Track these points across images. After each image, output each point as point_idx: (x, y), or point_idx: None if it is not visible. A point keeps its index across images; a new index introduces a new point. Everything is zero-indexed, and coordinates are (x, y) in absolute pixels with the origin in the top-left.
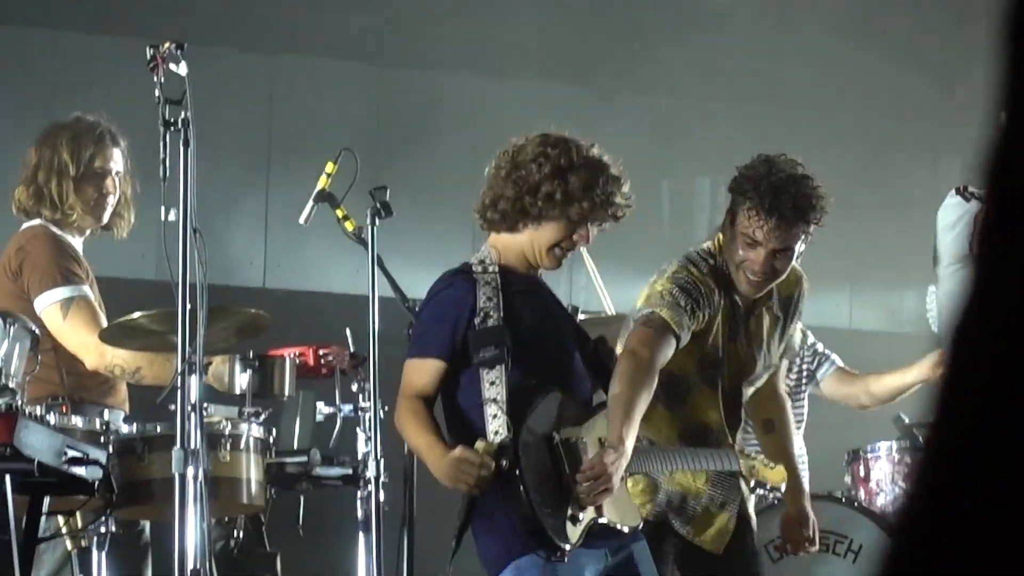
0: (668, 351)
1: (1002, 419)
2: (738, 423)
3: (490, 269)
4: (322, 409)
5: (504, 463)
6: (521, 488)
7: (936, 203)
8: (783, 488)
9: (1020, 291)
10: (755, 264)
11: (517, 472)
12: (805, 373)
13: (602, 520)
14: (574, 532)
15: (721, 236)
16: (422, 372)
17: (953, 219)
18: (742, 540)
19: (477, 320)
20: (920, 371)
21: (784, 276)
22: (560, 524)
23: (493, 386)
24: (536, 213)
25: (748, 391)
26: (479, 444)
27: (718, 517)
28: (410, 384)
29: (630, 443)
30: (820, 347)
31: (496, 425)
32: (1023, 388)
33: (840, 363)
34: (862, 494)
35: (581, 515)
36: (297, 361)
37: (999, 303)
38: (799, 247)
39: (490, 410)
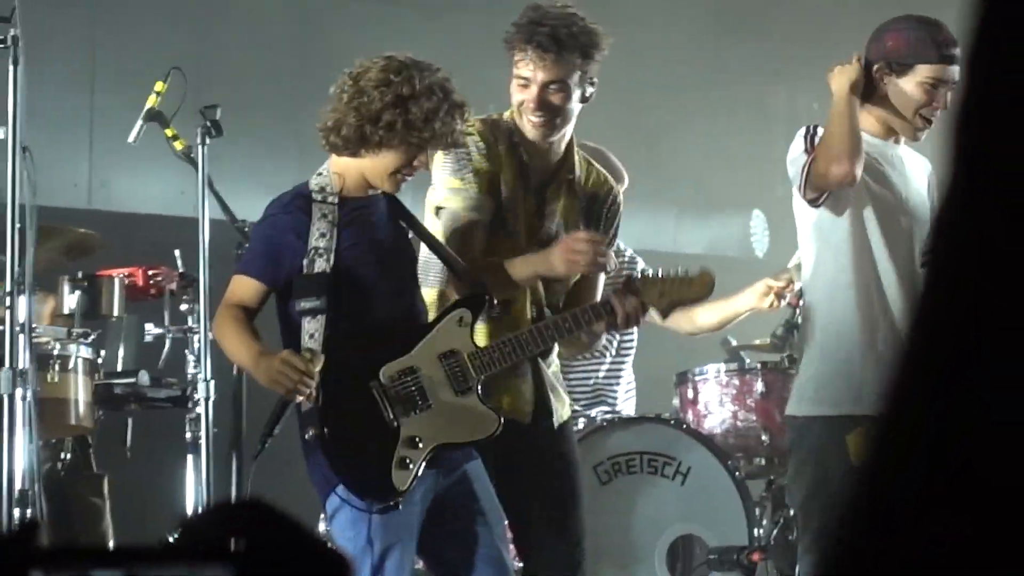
0: (481, 234)
1: (967, 391)
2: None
3: (329, 199)
4: (150, 330)
5: (310, 432)
6: (333, 456)
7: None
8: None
9: (987, 268)
10: (531, 102)
11: (327, 443)
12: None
13: (438, 446)
14: (404, 477)
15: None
16: (245, 288)
17: (792, 155)
18: (547, 412)
19: (305, 260)
20: (747, 300)
21: (568, 123)
22: (385, 477)
23: (312, 339)
24: (377, 141)
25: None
26: (305, 351)
27: (512, 383)
28: (233, 294)
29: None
30: (650, 274)
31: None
32: (992, 356)
33: None
34: (690, 416)
35: (411, 456)
36: (126, 282)
37: (969, 282)
38: (577, 86)
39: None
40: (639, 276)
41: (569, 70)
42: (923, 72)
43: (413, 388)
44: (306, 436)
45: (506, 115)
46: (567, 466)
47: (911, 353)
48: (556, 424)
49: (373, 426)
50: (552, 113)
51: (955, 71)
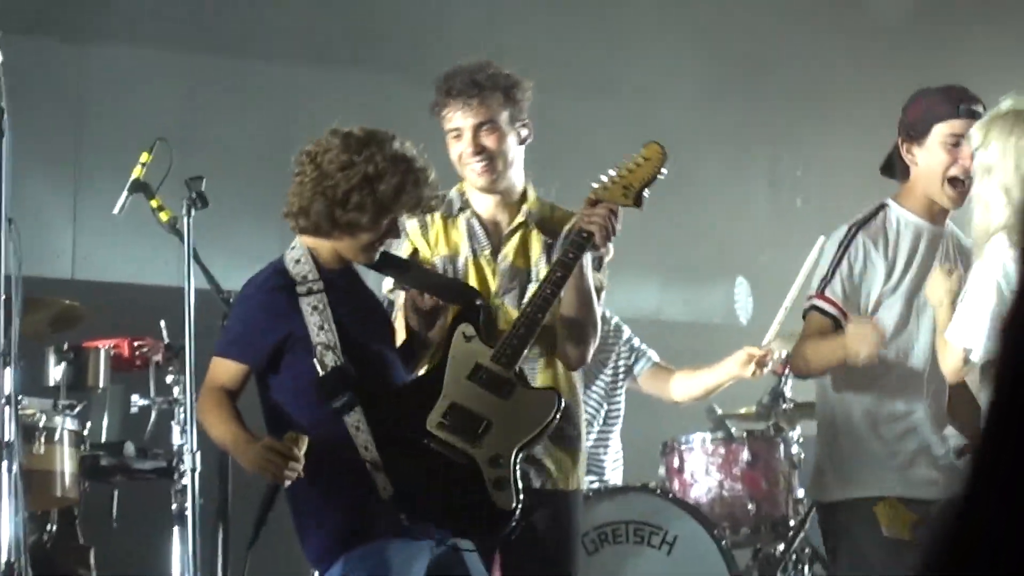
0: None
1: None
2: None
3: (315, 288)
4: (136, 401)
5: (405, 519)
6: (444, 527)
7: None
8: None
9: None
10: (467, 147)
11: (429, 520)
12: (622, 368)
13: (520, 447)
14: (508, 497)
15: None
16: (225, 370)
17: (818, 255)
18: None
19: (316, 361)
20: (729, 368)
21: (510, 167)
22: (492, 511)
23: (359, 432)
24: (347, 222)
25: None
26: (288, 434)
27: None
28: (214, 377)
29: None
30: (636, 342)
31: (381, 483)
32: None
33: (656, 359)
34: (676, 485)
35: (501, 474)
36: (112, 353)
37: None
38: (509, 127)
39: (368, 468)
40: (594, 188)
41: (495, 111)
42: (941, 131)
43: (463, 419)
44: (404, 523)
45: (453, 190)
46: (554, 533)
47: (987, 430)
48: (545, 487)
49: (453, 476)
50: (490, 156)
51: None
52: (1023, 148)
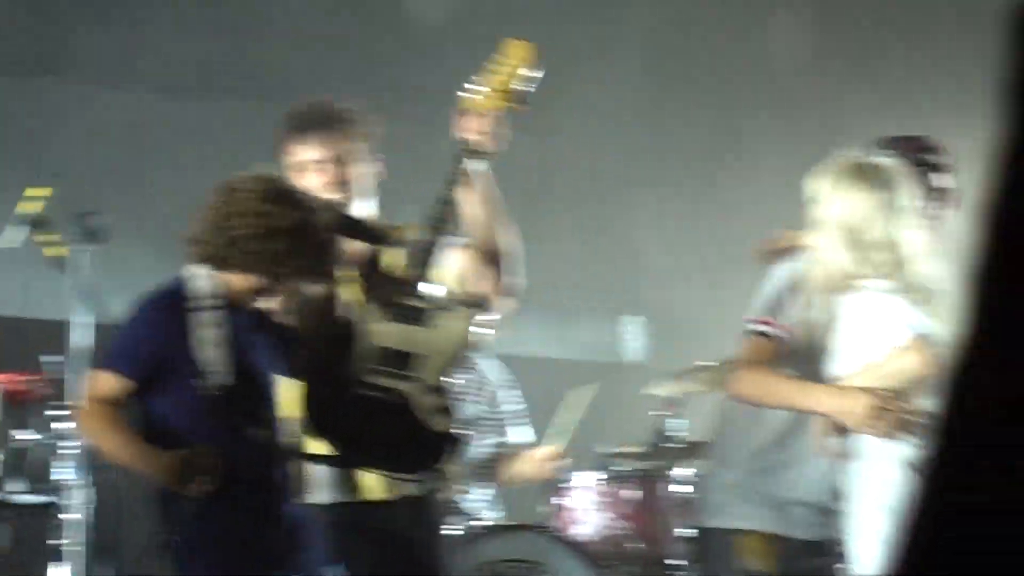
0: None
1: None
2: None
3: (208, 305)
4: (20, 436)
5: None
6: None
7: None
8: None
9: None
10: (320, 182)
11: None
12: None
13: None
14: (446, 419)
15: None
16: (111, 384)
17: (766, 297)
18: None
19: (202, 378)
20: (528, 468)
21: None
22: (441, 424)
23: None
24: (236, 265)
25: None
26: (199, 448)
27: None
28: (99, 391)
29: None
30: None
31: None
32: None
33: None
34: (562, 524)
35: (434, 400)
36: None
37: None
38: (361, 161)
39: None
40: (460, 98)
41: (347, 144)
42: None
43: (390, 358)
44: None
45: None
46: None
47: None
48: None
49: (391, 419)
50: (346, 188)
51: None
52: (856, 203)
